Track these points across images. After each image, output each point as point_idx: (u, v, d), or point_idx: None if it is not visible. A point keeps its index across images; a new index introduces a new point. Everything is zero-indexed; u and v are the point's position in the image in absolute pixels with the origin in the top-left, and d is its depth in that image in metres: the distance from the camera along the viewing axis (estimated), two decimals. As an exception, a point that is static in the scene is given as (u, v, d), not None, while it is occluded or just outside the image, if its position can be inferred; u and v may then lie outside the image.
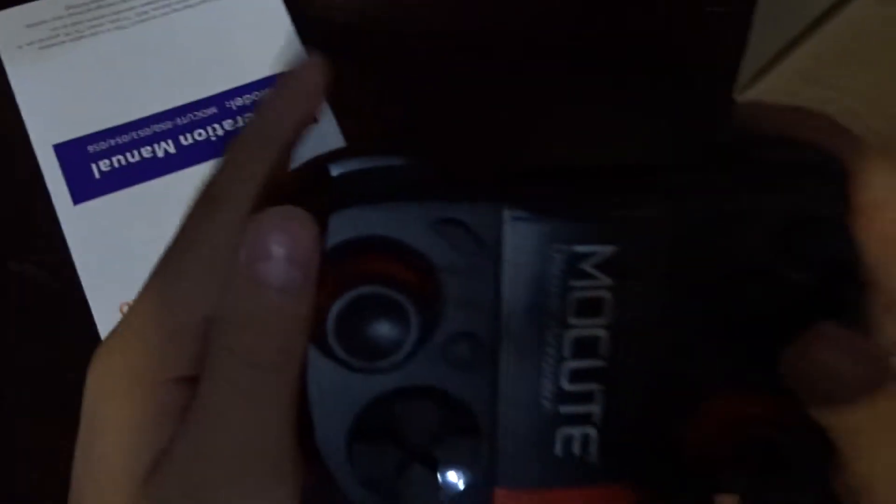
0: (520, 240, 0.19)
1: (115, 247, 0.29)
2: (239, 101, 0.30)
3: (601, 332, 0.20)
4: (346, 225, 0.18)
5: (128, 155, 0.30)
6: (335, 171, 0.20)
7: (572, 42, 0.34)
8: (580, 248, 0.19)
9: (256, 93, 0.31)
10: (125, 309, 0.28)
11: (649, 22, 0.34)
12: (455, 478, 0.20)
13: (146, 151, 0.30)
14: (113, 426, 0.19)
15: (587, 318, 0.20)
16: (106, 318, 0.28)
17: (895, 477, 0.21)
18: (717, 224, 0.20)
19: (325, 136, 0.30)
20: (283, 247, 0.17)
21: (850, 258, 0.20)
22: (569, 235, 0.19)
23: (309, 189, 0.20)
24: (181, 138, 0.30)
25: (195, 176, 0.30)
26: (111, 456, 0.19)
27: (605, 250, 0.19)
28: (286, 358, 0.18)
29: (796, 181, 0.20)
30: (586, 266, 0.19)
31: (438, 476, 0.19)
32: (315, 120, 0.20)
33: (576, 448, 0.21)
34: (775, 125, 0.22)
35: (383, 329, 0.18)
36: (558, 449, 0.20)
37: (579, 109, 0.32)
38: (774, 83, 0.32)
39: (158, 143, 0.30)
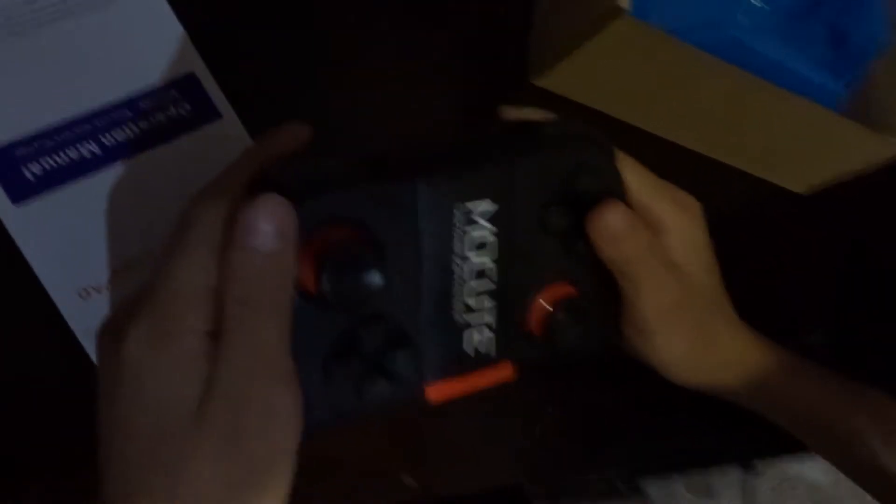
0: (429, 203, 0.26)
1: (60, 239, 0.33)
2: (148, 103, 0.35)
3: (490, 263, 0.28)
4: (317, 208, 0.25)
5: (55, 157, 0.33)
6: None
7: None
8: (470, 204, 0.27)
9: (165, 94, 0.35)
10: (83, 293, 0.33)
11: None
12: (398, 377, 0.27)
13: (72, 153, 0.34)
14: (159, 371, 0.24)
15: (479, 252, 0.28)
16: (66, 303, 0.33)
17: (660, 305, 0.33)
18: (536, 175, 0.29)
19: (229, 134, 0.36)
20: (269, 224, 0.23)
21: (615, 185, 0.30)
22: (462, 196, 0.27)
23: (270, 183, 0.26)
24: (102, 139, 0.34)
25: (122, 172, 0.34)
26: (163, 393, 0.24)
27: (485, 204, 0.27)
28: (277, 302, 0.24)
29: (578, 144, 0.30)
30: (475, 216, 0.27)
31: (387, 378, 0.26)
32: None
33: (477, 344, 0.29)
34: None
35: (360, 278, 0.24)
36: (466, 346, 0.29)
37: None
38: (561, 75, 0.43)
39: (82, 143, 0.34)
